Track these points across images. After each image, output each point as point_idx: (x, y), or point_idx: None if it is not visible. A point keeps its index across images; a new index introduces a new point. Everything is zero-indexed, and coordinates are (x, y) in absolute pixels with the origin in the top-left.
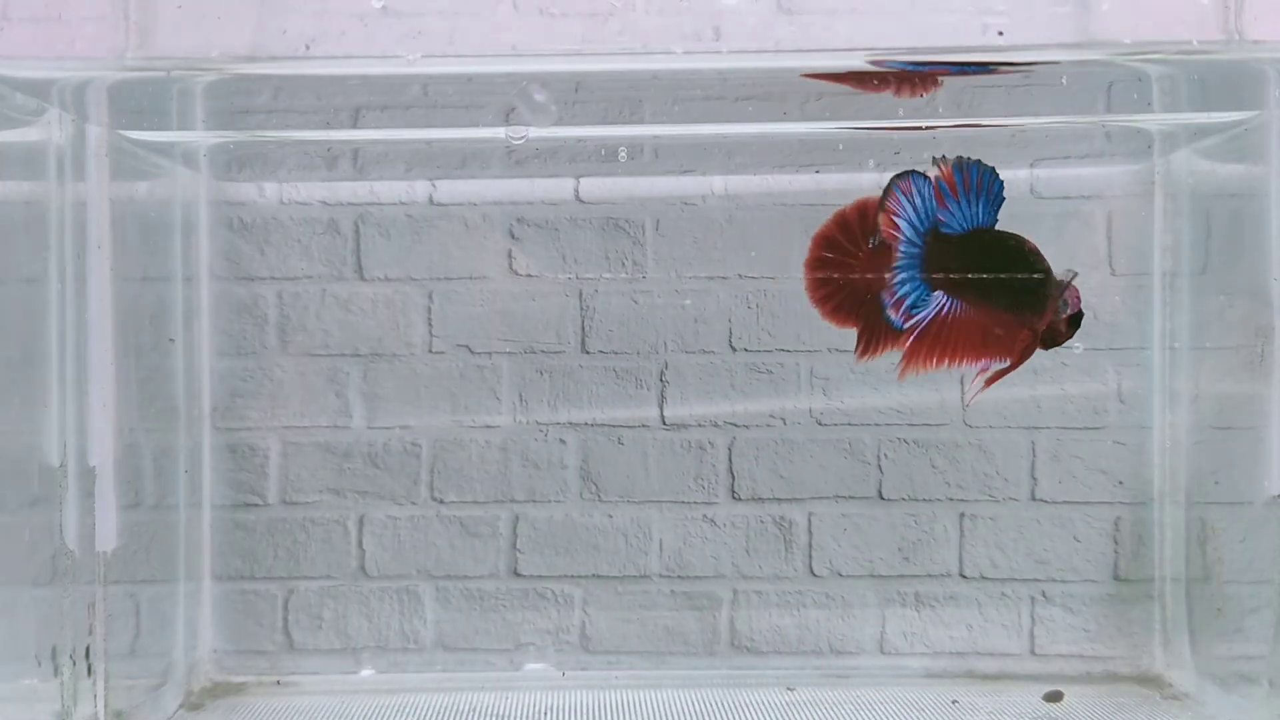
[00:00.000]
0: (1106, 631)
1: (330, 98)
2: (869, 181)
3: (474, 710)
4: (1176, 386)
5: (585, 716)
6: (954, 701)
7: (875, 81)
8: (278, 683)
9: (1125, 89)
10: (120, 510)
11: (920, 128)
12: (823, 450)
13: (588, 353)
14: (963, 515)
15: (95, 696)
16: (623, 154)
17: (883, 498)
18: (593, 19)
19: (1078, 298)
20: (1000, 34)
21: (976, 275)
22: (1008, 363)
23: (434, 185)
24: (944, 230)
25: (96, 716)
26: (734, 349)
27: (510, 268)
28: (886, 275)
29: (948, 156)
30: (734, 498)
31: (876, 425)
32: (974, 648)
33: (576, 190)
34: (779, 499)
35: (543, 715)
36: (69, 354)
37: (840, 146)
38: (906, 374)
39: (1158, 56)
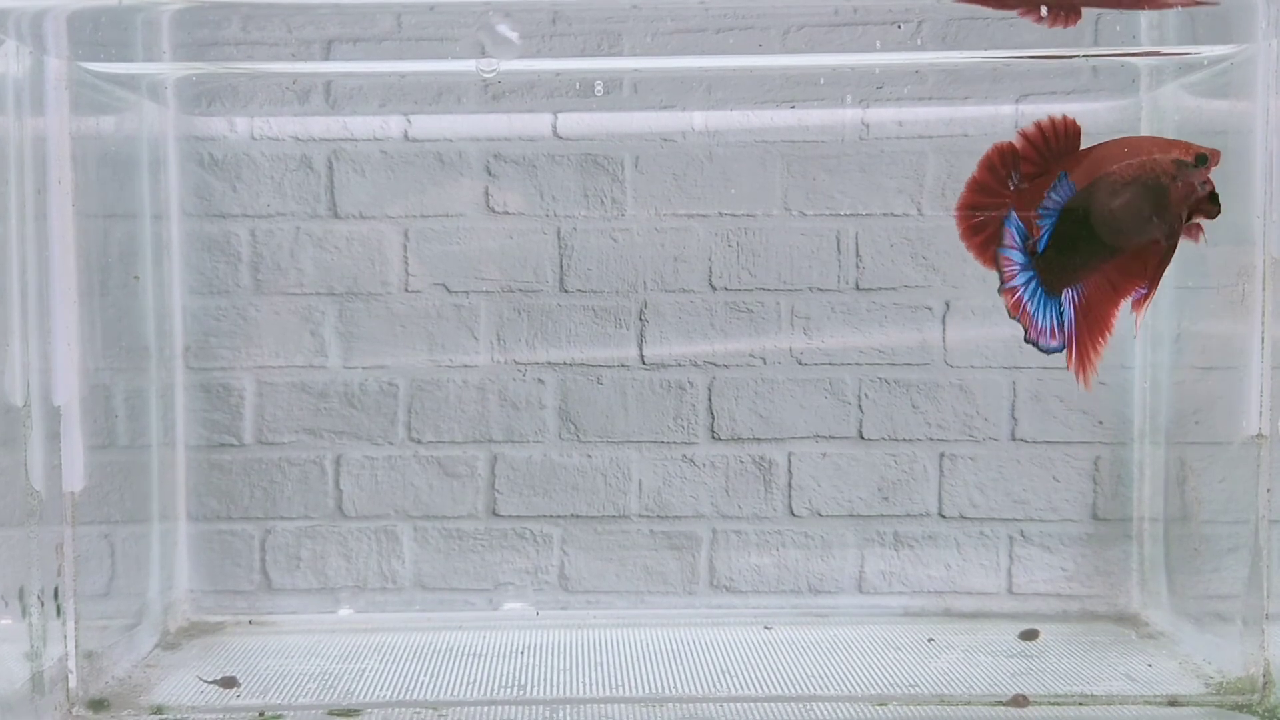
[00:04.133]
0: (1084, 571)
1: (301, 29)
2: (850, 117)
3: (452, 649)
4: (1159, 326)
5: (564, 655)
6: (930, 640)
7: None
8: (250, 622)
9: (1111, 22)
10: (90, 450)
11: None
12: (803, 390)
13: (566, 291)
14: (943, 455)
15: (65, 637)
16: (599, 88)
17: (863, 438)
18: None
19: (1204, 178)
20: None
21: (1086, 249)
22: (1145, 289)
23: (409, 120)
24: (1044, 237)
25: (67, 656)
26: (714, 288)
27: (488, 205)
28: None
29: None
30: (714, 437)
31: (857, 365)
32: (952, 587)
33: (554, 126)
34: (759, 439)
35: (519, 654)
36: (31, 292)
37: (822, 81)
38: (1090, 380)
39: None
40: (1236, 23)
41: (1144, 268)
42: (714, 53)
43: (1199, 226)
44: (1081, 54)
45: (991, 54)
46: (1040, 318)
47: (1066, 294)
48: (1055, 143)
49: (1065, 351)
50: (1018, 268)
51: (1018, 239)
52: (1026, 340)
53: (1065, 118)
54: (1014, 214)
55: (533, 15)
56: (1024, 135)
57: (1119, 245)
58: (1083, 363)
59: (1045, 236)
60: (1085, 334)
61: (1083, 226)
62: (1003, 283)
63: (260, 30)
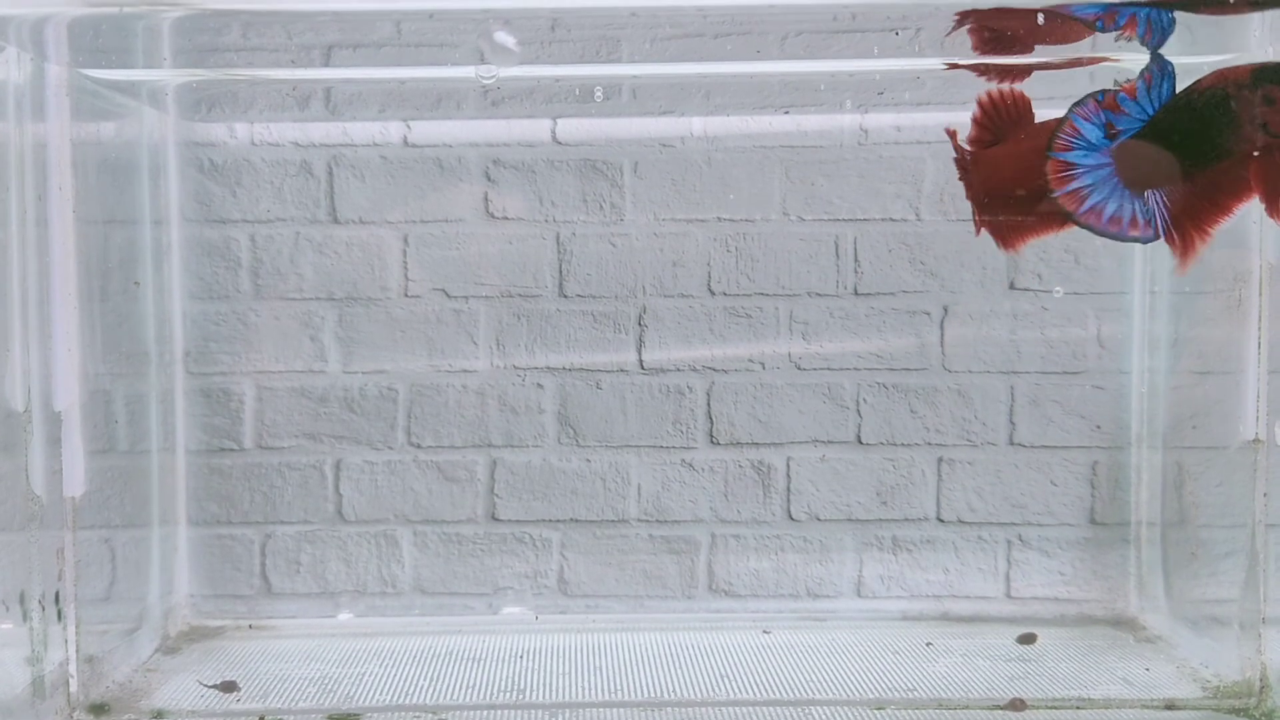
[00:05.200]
0: (1082, 575)
1: (301, 35)
2: (849, 123)
3: (451, 653)
4: (1156, 331)
5: (563, 660)
6: (928, 644)
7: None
8: (249, 626)
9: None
10: (91, 455)
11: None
12: (801, 395)
13: (565, 296)
14: (941, 460)
15: (66, 641)
16: (599, 93)
17: (861, 442)
18: None
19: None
20: None
21: (1182, 150)
22: (1258, 193)
23: (408, 126)
24: (1125, 135)
25: (68, 660)
26: (713, 293)
27: (487, 210)
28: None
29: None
30: (712, 442)
31: (856, 370)
32: (950, 591)
33: (554, 132)
34: (757, 443)
35: (519, 658)
36: (31, 298)
37: (822, 87)
38: (1189, 264)
39: None
40: (1233, 31)
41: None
42: (713, 58)
43: None
44: (1087, 57)
45: (987, 60)
46: (1121, 210)
47: (1153, 195)
48: (1006, 113)
49: (1166, 239)
50: (1083, 169)
51: (1088, 136)
52: (1104, 234)
53: (1011, 89)
54: (1092, 108)
55: (532, 22)
56: (978, 102)
57: (1200, 158)
58: (1187, 252)
59: (1128, 135)
60: (1185, 221)
61: (1165, 134)
62: (1058, 188)
63: (260, 36)
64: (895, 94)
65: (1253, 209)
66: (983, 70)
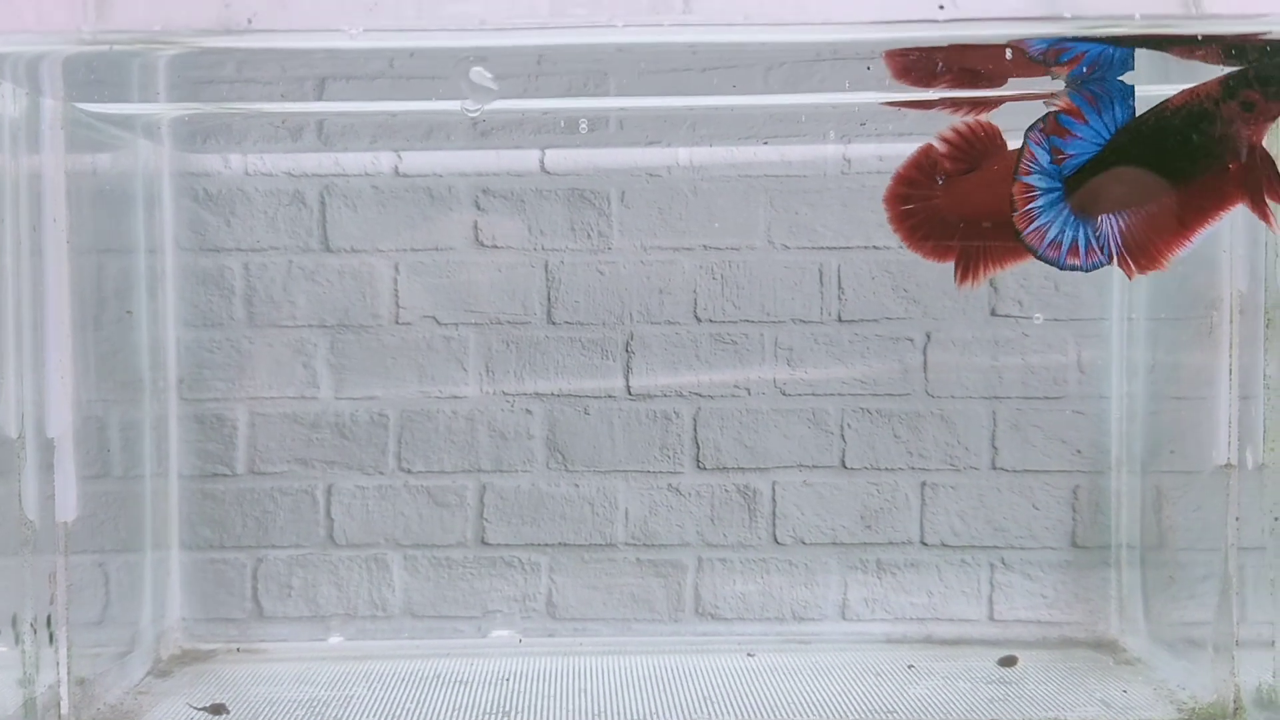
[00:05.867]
0: (1064, 598)
1: (294, 69)
2: (832, 153)
3: (439, 676)
4: (1134, 357)
5: (550, 682)
6: (910, 666)
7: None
8: (238, 649)
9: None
10: (83, 481)
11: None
12: (786, 420)
13: (554, 323)
14: (924, 484)
15: (58, 664)
16: (583, 125)
17: (846, 467)
18: None
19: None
20: (941, 7)
21: (1138, 178)
22: (1244, 200)
23: (399, 156)
24: (1078, 161)
25: (59, 683)
26: (699, 319)
27: (476, 239)
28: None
29: (1058, 94)
30: (699, 467)
31: (840, 395)
32: (934, 614)
33: (542, 161)
34: (743, 468)
35: (505, 680)
36: (25, 327)
37: (804, 118)
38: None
39: (1120, 31)
40: (1200, 64)
41: (1227, 189)
42: (699, 92)
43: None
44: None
45: (961, 93)
46: (1059, 235)
47: (1107, 219)
48: (978, 144)
49: (1119, 262)
50: (1039, 192)
51: (1041, 161)
52: (1042, 258)
53: (980, 120)
54: (1040, 133)
55: (519, 58)
56: (944, 139)
57: (1175, 175)
58: (1144, 269)
59: (1081, 160)
60: (1140, 244)
61: (1129, 154)
62: (1018, 208)
63: (255, 70)
64: (878, 125)
65: (1220, 233)
66: (954, 104)
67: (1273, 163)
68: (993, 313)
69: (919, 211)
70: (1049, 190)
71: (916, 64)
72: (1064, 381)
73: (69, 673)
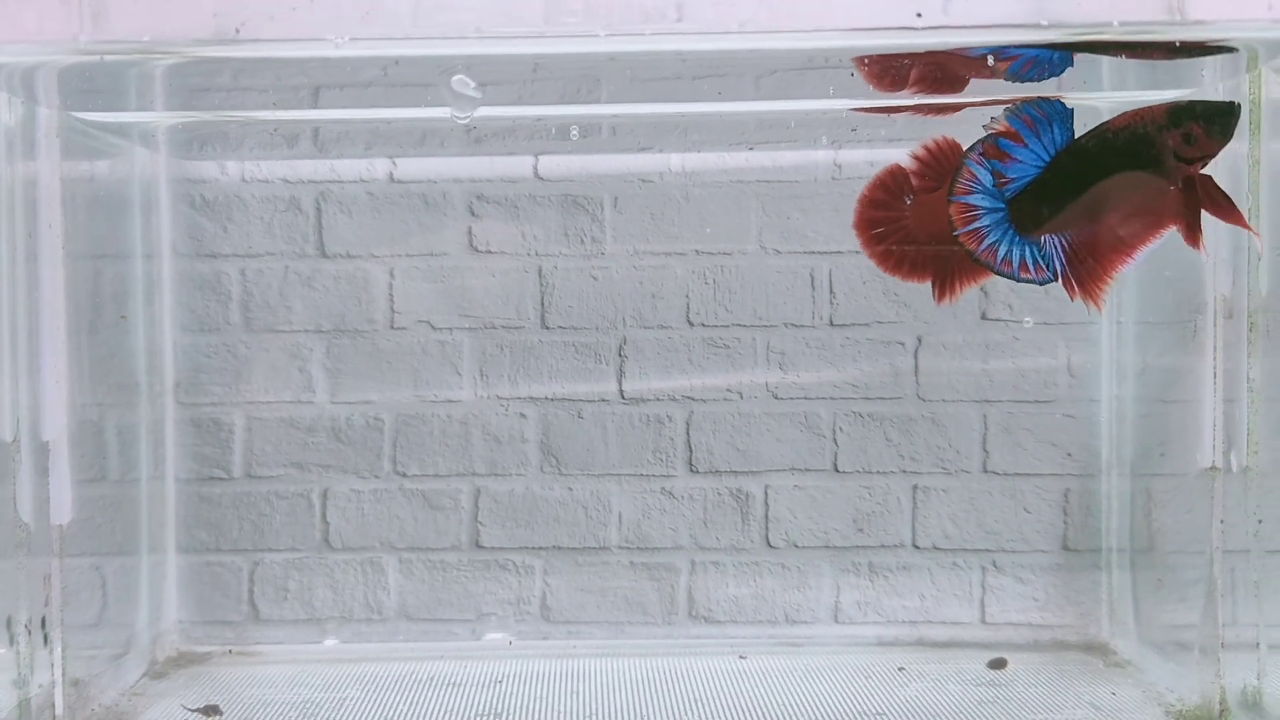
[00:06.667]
0: (1055, 600)
1: (290, 77)
2: (823, 158)
3: (433, 678)
4: (1124, 360)
5: (543, 684)
6: (900, 668)
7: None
8: (230, 652)
9: (1077, 71)
10: (80, 484)
11: (895, 109)
12: (779, 424)
13: (547, 328)
14: (916, 487)
15: (53, 666)
16: (575, 132)
17: (838, 470)
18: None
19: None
20: (919, 15)
21: (1078, 200)
22: (1178, 225)
23: (394, 163)
24: (1019, 184)
25: (54, 684)
26: (691, 324)
27: (470, 244)
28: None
29: (995, 117)
30: (692, 470)
31: (832, 399)
32: (926, 616)
33: (535, 168)
34: (736, 472)
35: (499, 682)
36: (21, 331)
37: (792, 124)
38: (1102, 301)
39: (1104, 38)
40: (1185, 69)
41: (1167, 209)
42: (690, 99)
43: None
44: (1054, 97)
45: (952, 98)
46: (1008, 253)
47: (1050, 238)
48: (945, 161)
49: (1063, 283)
50: (982, 211)
51: (984, 182)
52: (999, 273)
53: (946, 138)
54: (980, 155)
55: (513, 66)
56: (915, 157)
57: (1114, 196)
58: (1086, 292)
59: (1023, 182)
60: (1086, 268)
61: (1071, 175)
62: (961, 227)
63: (250, 78)
64: (869, 130)
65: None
66: (926, 110)
67: (1212, 189)
68: (983, 317)
69: (889, 235)
70: (992, 210)
71: (888, 69)
72: (1054, 385)
73: (63, 674)
